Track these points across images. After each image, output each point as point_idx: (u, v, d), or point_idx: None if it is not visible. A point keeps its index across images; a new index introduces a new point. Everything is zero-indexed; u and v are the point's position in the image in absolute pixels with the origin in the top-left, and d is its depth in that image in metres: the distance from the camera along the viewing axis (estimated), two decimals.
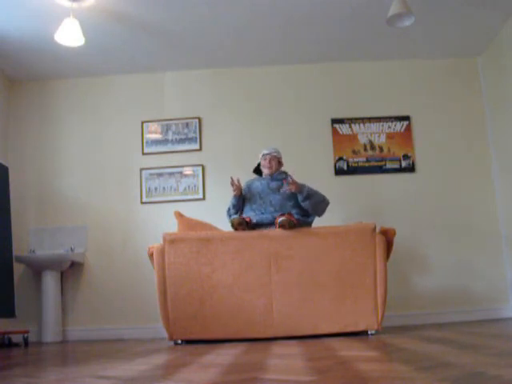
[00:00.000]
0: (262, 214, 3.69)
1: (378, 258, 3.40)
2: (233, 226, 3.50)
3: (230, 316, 3.36)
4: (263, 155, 3.94)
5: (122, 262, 4.73)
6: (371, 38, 4.63)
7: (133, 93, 5.08)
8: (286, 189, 3.63)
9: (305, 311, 3.37)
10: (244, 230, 3.50)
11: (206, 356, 2.46)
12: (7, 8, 3.87)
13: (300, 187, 3.63)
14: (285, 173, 3.97)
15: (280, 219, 3.44)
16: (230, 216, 3.89)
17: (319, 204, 3.72)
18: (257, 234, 3.47)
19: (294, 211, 3.70)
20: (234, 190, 3.74)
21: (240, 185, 3.77)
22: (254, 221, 3.63)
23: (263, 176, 3.96)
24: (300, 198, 3.67)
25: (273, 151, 3.93)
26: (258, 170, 4.07)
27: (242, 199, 3.84)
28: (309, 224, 3.75)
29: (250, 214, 3.73)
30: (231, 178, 3.73)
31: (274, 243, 3.44)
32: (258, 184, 3.86)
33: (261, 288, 3.39)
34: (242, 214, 3.85)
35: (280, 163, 3.98)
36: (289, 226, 3.44)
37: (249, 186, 3.90)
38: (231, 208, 3.86)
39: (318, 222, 3.84)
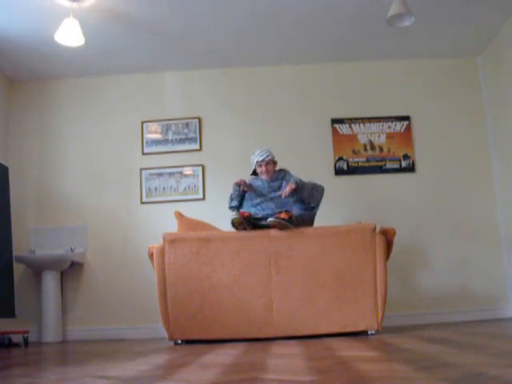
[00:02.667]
0: (263, 210, 3.69)
1: (378, 258, 3.40)
2: (233, 225, 3.50)
3: (230, 316, 3.36)
4: (257, 162, 3.85)
5: (122, 262, 4.72)
6: (371, 38, 4.63)
7: (133, 93, 5.08)
8: (283, 195, 3.65)
9: (305, 311, 3.37)
10: (245, 228, 3.49)
11: (206, 356, 2.46)
12: (7, 8, 3.87)
13: (295, 189, 3.63)
14: (283, 170, 3.97)
15: (269, 220, 3.43)
16: (231, 204, 3.89)
17: (313, 192, 3.73)
18: (257, 234, 3.47)
19: (295, 207, 3.70)
20: (244, 187, 3.74)
21: (245, 183, 3.76)
22: (255, 215, 3.62)
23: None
24: (298, 196, 3.68)
25: (266, 156, 3.83)
26: (255, 173, 4.06)
27: (242, 194, 3.83)
28: (312, 217, 3.76)
29: (250, 210, 3.72)
30: (240, 184, 3.72)
31: (274, 243, 3.44)
32: (260, 183, 3.87)
33: (261, 288, 3.39)
34: (241, 208, 3.86)
35: (275, 163, 3.95)
36: (280, 226, 3.44)
37: (251, 182, 3.90)
38: (233, 198, 3.85)
39: (318, 222, 3.84)
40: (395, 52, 4.93)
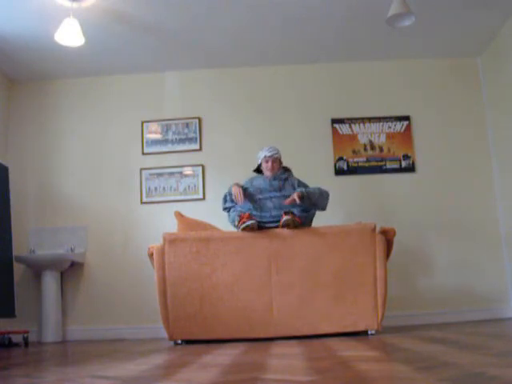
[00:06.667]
0: (261, 208, 3.67)
1: (378, 257, 3.40)
2: (245, 228, 3.44)
3: (230, 316, 3.36)
4: (265, 157, 3.87)
5: (122, 262, 4.72)
6: (371, 38, 4.63)
7: (133, 93, 5.08)
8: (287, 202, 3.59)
9: (305, 311, 3.37)
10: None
11: (206, 356, 2.46)
12: (7, 8, 3.87)
13: (302, 198, 3.57)
14: (287, 170, 3.96)
15: (285, 218, 3.42)
16: (225, 205, 3.85)
17: (319, 200, 3.68)
18: (257, 234, 3.47)
19: (294, 210, 3.66)
20: (240, 200, 3.66)
21: (243, 194, 3.68)
22: (254, 216, 3.61)
23: (264, 175, 3.94)
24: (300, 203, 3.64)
25: (274, 153, 3.87)
26: (258, 170, 4.05)
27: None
28: (310, 218, 3.74)
29: (248, 206, 3.70)
30: (236, 195, 3.64)
31: (274, 243, 3.44)
32: (261, 181, 3.84)
33: (261, 288, 3.39)
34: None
35: (280, 162, 3.97)
36: (293, 225, 3.44)
37: (251, 181, 3.88)
38: (228, 199, 3.80)
39: (318, 222, 3.84)
40: (395, 52, 4.93)
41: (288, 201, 3.56)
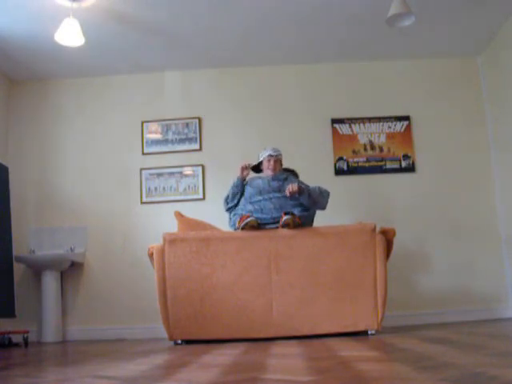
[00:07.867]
0: (262, 209, 3.65)
1: (378, 258, 3.40)
2: (246, 225, 3.45)
3: (230, 316, 3.36)
4: (268, 156, 3.87)
5: (122, 262, 4.72)
6: (371, 38, 4.63)
7: (133, 93, 5.08)
8: (287, 192, 3.59)
9: (305, 311, 3.37)
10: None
11: (206, 356, 2.46)
12: (7, 8, 3.87)
13: (301, 190, 3.58)
14: (287, 171, 3.95)
15: (285, 218, 3.42)
16: (228, 206, 3.86)
17: (319, 198, 3.67)
18: (257, 233, 3.47)
19: (295, 210, 3.65)
20: (245, 171, 3.80)
21: (249, 168, 3.82)
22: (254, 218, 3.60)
23: (264, 174, 3.93)
24: (301, 199, 3.63)
25: (278, 153, 3.89)
26: (256, 168, 4.04)
27: (242, 190, 3.81)
28: (311, 217, 3.73)
29: (248, 208, 3.70)
30: (243, 167, 3.78)
31: (274, 243, 3.44)
32: (260, 181, 3.83)
33: (261, 288, 3.39)
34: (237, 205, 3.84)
35: (281, 164, 3.97)
36: (294, 225, 3.44)
37: (250, 181, 3.87)
38: (230, 197, 3.82)
39: (318, 222, 3.84)
40: (395, 52, 4.93)
41: (287, 190, 3.54)
